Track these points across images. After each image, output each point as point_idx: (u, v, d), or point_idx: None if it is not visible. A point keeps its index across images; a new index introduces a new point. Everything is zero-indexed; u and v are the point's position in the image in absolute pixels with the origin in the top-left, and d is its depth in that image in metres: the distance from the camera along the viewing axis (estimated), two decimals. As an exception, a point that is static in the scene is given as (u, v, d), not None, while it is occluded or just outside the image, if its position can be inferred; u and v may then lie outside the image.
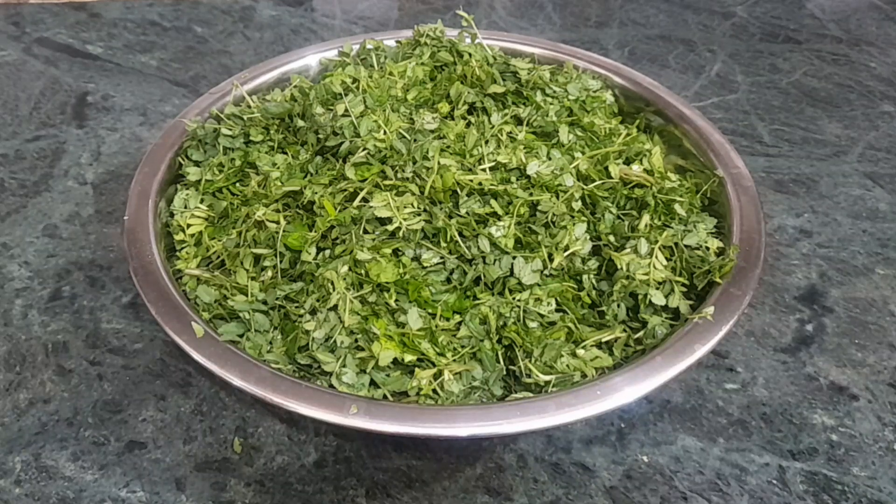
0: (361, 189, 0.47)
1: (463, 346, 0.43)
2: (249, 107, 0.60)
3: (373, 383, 0.41)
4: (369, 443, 0.46)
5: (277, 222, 0.48)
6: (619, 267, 0.46)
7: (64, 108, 0.76)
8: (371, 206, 0.46)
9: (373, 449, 0.45)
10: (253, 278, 0.47)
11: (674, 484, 0.44)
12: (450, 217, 0.47)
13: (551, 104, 0.58)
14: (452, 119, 0.56)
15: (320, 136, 0.53)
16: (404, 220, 0.45)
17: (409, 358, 0.41)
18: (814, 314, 0.56)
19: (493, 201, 0.47)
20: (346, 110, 0.53)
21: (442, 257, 0.46)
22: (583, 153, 0.53)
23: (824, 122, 0.79)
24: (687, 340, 0.41)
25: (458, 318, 0.44)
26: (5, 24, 0.92)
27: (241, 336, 0.43)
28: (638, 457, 0.46)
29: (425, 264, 0.45)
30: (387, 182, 0.48)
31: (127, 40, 0.90)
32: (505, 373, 0.43)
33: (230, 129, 0.56)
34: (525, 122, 0.56)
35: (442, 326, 0.43)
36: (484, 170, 0.49)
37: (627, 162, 0.54)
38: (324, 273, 0.44)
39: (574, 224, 0.48)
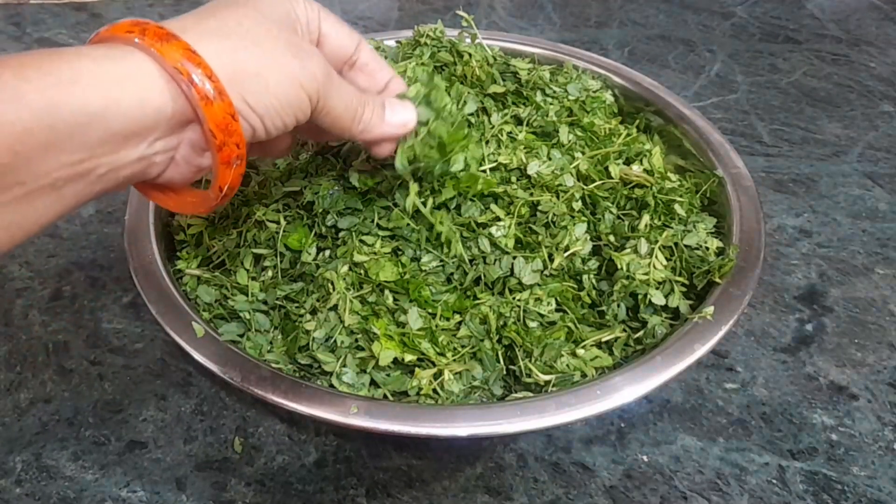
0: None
1: (463, 346, 0.43)
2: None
3: (373, 383, 0.41)
4: (369, 442, 0.46)
5: (277, 222, 0.48)
6: (619, 267, 0.46)
7: (64, 109, 0.76)
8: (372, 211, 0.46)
9: (373, 448, 0.45)
10: (253, 278, 0.47)
11: (674, 483, 0.44)
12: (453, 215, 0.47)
13: (551, 104, 0.58)
14: None
15: (320, 136, 0.53)
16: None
17: (409, 358, 0.41)
18: (813, 314, 0.56)
19: (493, 205, 0.47)
20: (347, 110, 0.53)
21: (442, 260, 0.46)
22: (583, 153, 0.53)
23: (824, 122, 0.79)
24: (687, 340, 0.41)
25: (458, 317, 0.44)
26: (6, 25, 0.92)
27: (241, 336, 0.43)
28: (638, 456, 0.46)
29: (424, 267, 0.45)
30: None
31: (127, 40, 0.90)
32: (505, 372, 0.43)
33: (230, 130, 0.56)
34: (525, 122, 0.56)
35: (442, 326, 0.43)
36: (484, 171, 0.49)
37: (627, 162, 0.54)
38: (324, 273, 0.44)
39: (574, 224, 0.48)
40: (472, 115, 0.56)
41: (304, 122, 0.35)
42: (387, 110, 0.39)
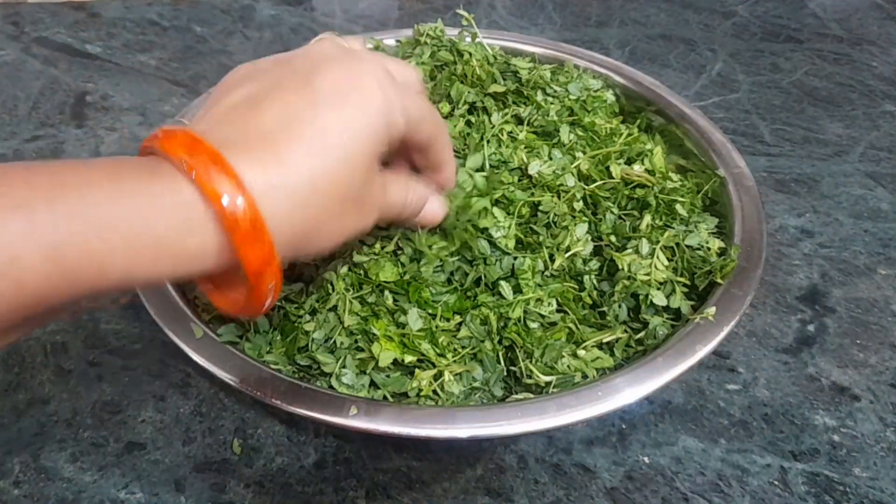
0: None
1: (463, 347, 0.42)
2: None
3: (373, 384, 0.41)
4: (369, 444, 0.45)
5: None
6: (620, 267, 0.46)
7: (63, 108, 0.76)
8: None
9: (373, 450, 0.45)
10: (252, 279, 0.47)
11: (675, 485, 0.44)
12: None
13: (552, 104, 0.57)
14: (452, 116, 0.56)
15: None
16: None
17: (409, 359, 0.41)
18: (815, 314, 0.56)
19: (494, 209, 0.47)
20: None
21: (441, 261, 0.45)
22: (584, 153, 0.53)
23: (826, 122, 0.78)
24: (688, 341, 0.41)
25: (458, 318, 0.44)
26: (4, 24, 0.91)
27: (240, 337, 0.43)
28: (639, 458, 0.45)
29: (424, 269, 0.45)
30: None
31: (126, 40, 0.89)
32: (505, 374, 0.43)
33: (230, 129, 0.55)
34: (526, 122, 0.55)
35: (442, 327, 0.43)
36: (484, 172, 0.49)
37: (629, 162, 0.54)
38: (323, 273, 0.44)
39: (575, 224, 0.48)
40: (471, 114, 0.56)
41: None
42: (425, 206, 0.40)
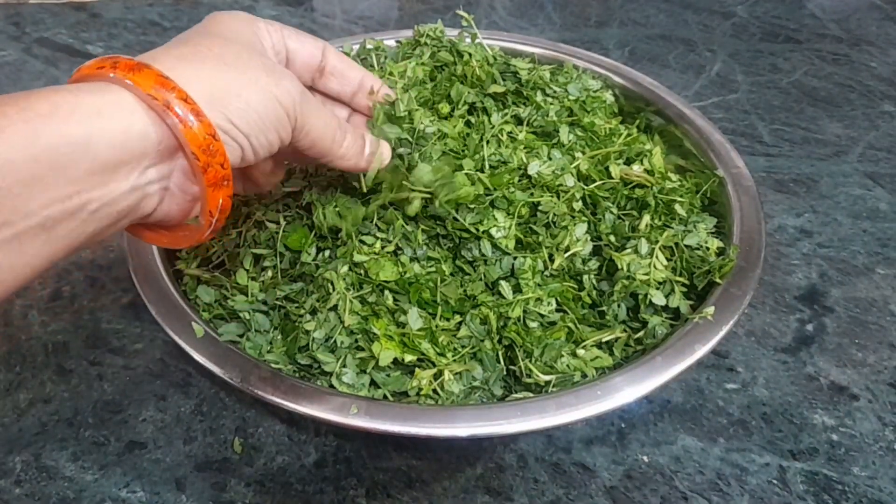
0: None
1: (463, 346, 0.43)
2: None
3: (373, 383, 0.41)
4: (369, 443, 0.46)
5: (277, 222, 0.48)
6: (619, 267, 0.46)
7: (64, 108, 0.76)
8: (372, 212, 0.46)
9: (373, 449, 0.45)
10: (253, 278, 0.47)
11: (674, 484, 0.44)
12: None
13: (551, 104, 0.58)
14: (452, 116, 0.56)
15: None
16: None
17: (409, 358, 0.41)
18: (814, 314, 0.56)
19: (495, 212, 0.47)
20: (347, 110, 0.53)
21: (442, 259, 0.45)
22: (583, 153, 0.53)
23: (825, 122, 0.79)
24: (687, 340, 0.41)
25: (458, 318, 0.44)
26: (5, 25, 0.92)
27: (241, 336, 0.43)
28: (638, 457, 0.46)
29: (424, 270, 0.45)
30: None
31: (127, 40, 0.90)
32: (505, 373, 0.43)
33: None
34: (525, 122, 0.56)
35: (442, 326, 0.43)
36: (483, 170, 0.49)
37: (628, 162, 0.54)
38: (324, 273, 0.44)
39: (575, 224, 0.48)
40: (471, 115, 0.56)
41: (287, 146, 0.35)
42: (366, 144, 0.40)
